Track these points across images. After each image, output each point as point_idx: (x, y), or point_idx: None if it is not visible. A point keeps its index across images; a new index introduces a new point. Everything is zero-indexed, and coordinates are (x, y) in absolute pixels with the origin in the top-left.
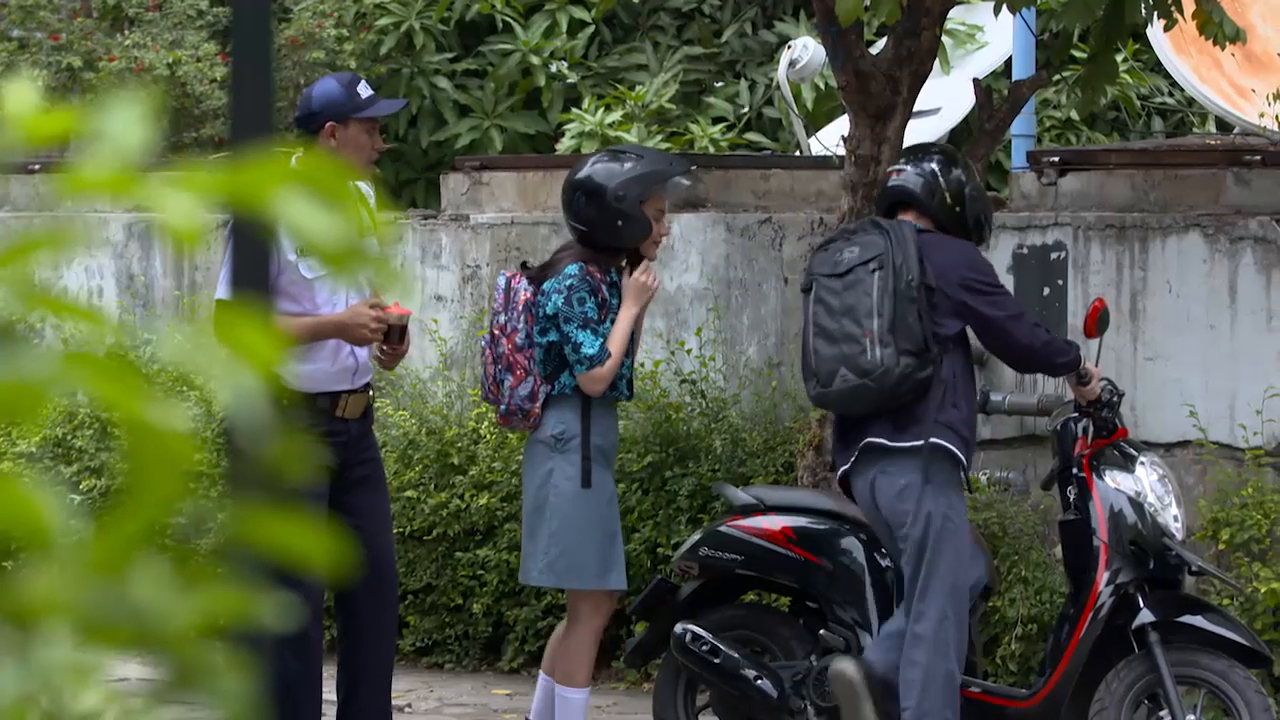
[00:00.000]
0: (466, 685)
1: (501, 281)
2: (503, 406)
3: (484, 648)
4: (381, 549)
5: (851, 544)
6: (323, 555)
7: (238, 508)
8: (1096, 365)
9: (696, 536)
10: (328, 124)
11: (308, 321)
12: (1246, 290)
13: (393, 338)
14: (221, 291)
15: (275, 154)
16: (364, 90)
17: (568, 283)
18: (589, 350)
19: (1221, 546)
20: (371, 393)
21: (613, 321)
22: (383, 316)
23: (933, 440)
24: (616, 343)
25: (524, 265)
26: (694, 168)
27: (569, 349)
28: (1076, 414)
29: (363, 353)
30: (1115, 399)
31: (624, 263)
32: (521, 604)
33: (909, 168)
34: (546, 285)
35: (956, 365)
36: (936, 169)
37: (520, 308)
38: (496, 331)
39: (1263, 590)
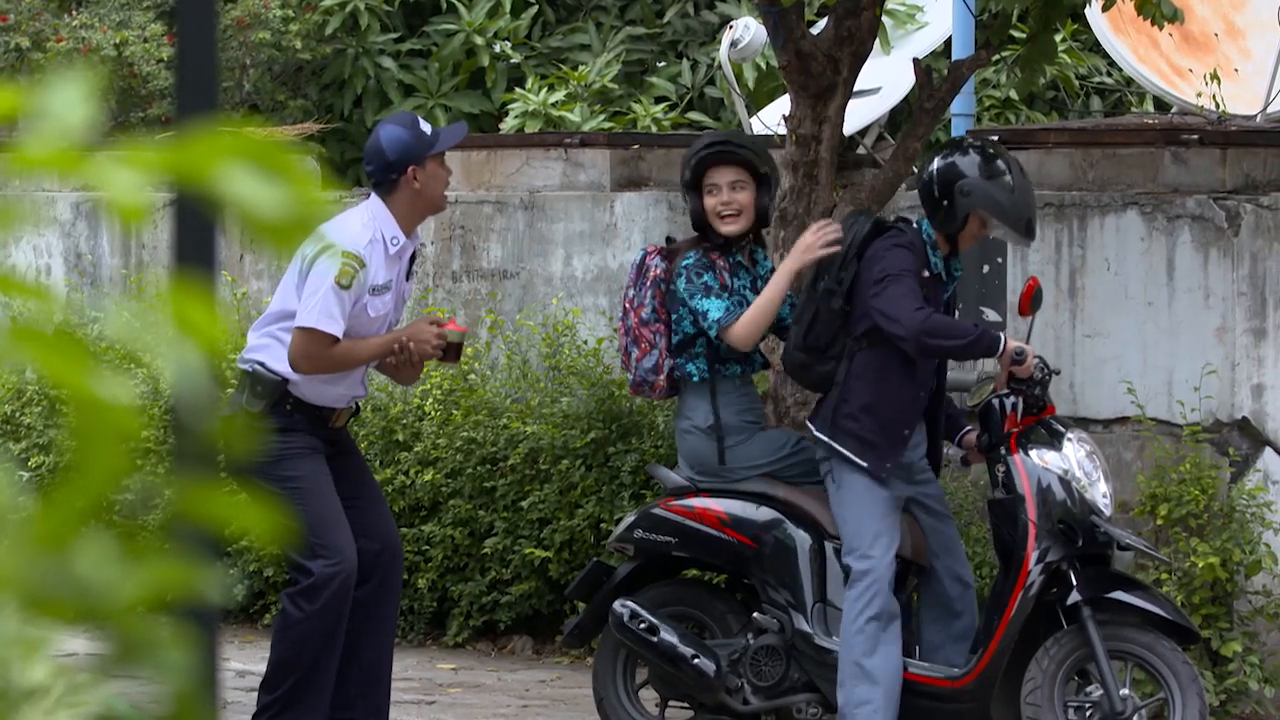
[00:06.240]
0: (412, 659)
1: (638, 258)
2: (631, 377)
3: (429, 622)
4: (387, 519)
5: (783, 526)
6: (264, 528)
7: (184, 483)
8: (1029, 343)
9: (631, 518)
10: (410, 169)
11: (374, 342)
12: (1184, 268)
13: (450, 354)
14: (311, 319)
15: (219, 132)
16: (426, 127)
17: (685, 263)
18: (715, 314)
19: (1159, 522)
20: (355, 405)
21: (738, 301)
22: (443, 333)
23: (819, 435)
24: (761, 298)
25: (669, 240)
26: (636, 144)
27: (700, 319)
28: (1007, 391)
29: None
30: (1046, 377)
31: (745, 242)
32: (466, 579)
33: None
34: (675, 273)
35: (870, 365)
36: (936, 157)
37: (649, 283)
38: (627, 305)
39: (1200, 565)
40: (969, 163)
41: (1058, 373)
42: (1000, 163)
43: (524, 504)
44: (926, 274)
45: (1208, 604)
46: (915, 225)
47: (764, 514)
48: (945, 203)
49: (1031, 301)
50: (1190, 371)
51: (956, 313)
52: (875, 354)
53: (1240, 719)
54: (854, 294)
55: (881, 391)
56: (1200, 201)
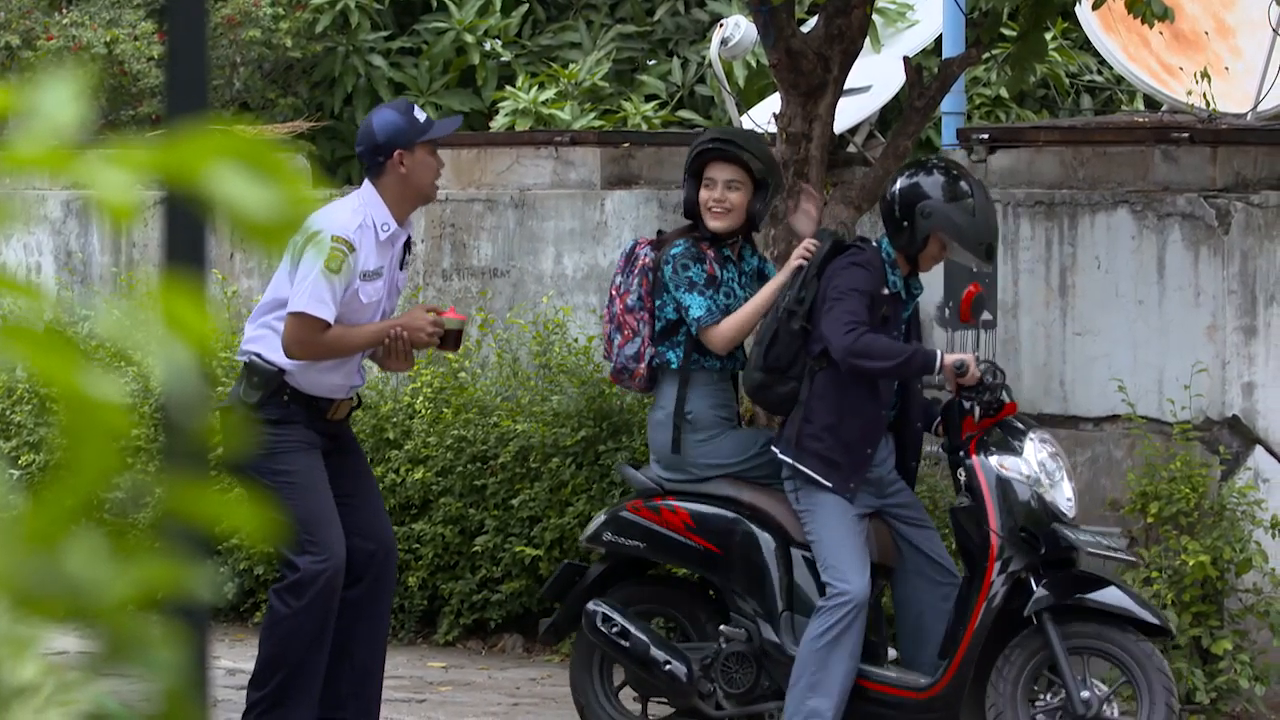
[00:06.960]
0: (403, 658)
1: (627, 246)
2: (612, 364)
3: (420, 620)
4: (381, 515)
5: (749, 533)
6: (254, 526)
7: (174, 482)
8: (976, 350)
9: (600, 520)
10: (396, 152)
11: (368, 329)
12: (1174, 266)
13: (448, 342)
14: (302, 304)
15: (209, 131)
16: (420, 114)
17: (673, 251)
18: (696, 312)
19: (1150, 520)
20: (355, 398)
21: (726, 293)
22: (439, 321)
23: (783, 457)
24: (746, 306)
25: (660, 233)
26: (626, 143)
27: (684, 313)
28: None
29: (360, 371)
30: (998, 380)
31: (734, 240)
32: (456, 577)
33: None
34: (663, 259)
35: (831, 384)
36: (899, 177)
37: (637, 271)
38: (613, 292)
39: (1190, 563)
40: (932, 184)
41: (1005, 385)
42: (963, 185)
43: (514, 502)
44: (886, 292)
45: (1198, 602)
46: (875, 244)
47: (730, 520)
48: (906, 223)
49: (971, 308)
50: (1181, 369)
51: (920, 329)
52: (836, 374)
53: (1231, 717)
54: (813, 314)
55: (844, 411)
56: (1190, 200)
